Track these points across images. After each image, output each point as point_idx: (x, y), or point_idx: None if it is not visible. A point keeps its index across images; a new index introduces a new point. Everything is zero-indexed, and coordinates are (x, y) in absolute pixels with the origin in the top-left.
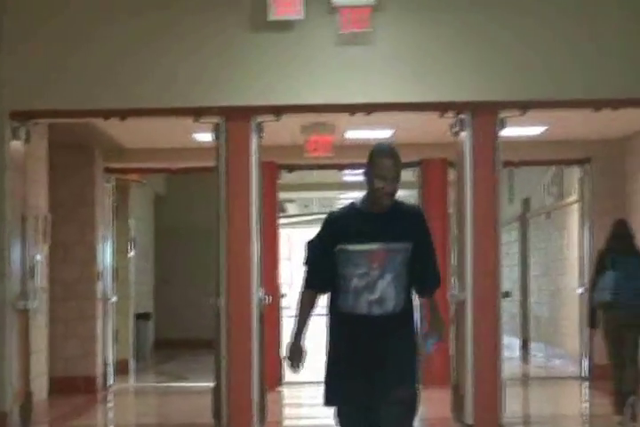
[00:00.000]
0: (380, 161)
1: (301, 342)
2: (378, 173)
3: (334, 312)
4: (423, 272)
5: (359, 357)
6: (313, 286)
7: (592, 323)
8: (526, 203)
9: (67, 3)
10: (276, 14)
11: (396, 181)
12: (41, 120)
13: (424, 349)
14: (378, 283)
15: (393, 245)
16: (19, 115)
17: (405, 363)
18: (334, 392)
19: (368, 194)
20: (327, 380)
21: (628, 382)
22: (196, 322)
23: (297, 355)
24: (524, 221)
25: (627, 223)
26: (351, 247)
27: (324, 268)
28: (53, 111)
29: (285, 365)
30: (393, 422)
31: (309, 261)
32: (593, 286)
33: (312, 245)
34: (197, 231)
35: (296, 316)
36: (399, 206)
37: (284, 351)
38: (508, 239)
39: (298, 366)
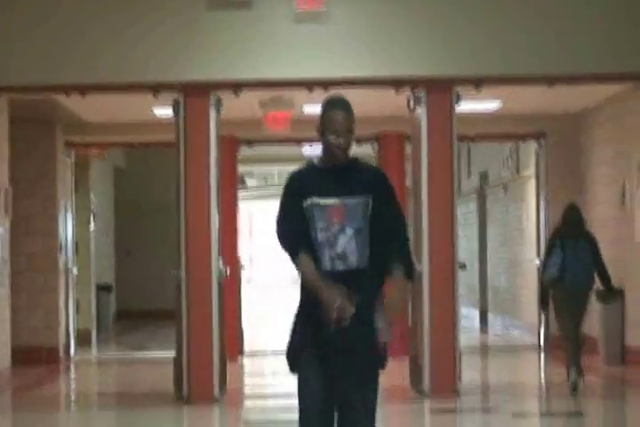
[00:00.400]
0: (332, 114)
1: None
2: (329, 127)
3: (301, 283)
4: (387, 246)
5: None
6: (302, 247)
7: (543, 302)
8: (484, 176)
9: None
10: None
11: (349, 135)
12: (1, 95)
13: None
14: (339, 237)
15: (350, 200)
16: None
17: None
18: (296, 349)
19: (323, 149)
20: (291, 337)
21: (573, 352)
22: (158, 293)
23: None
24: (481, 194)
25: (577, 208)
26: (311, 202)
27: (301, 227)
28: (13, 87)
29: (333, 323)
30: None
31: (286, 226)
32: (544, 267)
33: (282, 209)
34: (158, 204)
35: (310, 281)
36: (357, 162)
37: (329, 312)
38: (467, 211)
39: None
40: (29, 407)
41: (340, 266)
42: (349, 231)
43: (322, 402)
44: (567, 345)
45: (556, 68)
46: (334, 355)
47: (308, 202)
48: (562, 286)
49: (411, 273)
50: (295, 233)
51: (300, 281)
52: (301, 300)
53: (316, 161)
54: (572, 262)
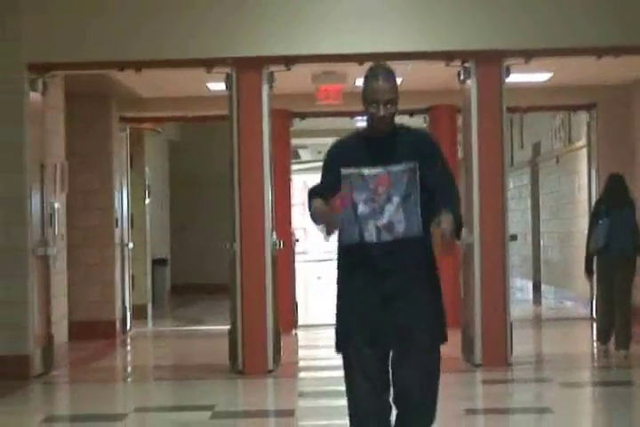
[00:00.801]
0: (372, 84)
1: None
2: (370, 97)
3: (343, 247)
4: (438, 196)
5: (372, 290)
6: (319, 194)
7: (588, 269)
8: (537, 148)
9: None
10: None
11: (391, 105)
12: (58, 72)
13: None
14: (385, 207)
15: (395, 168)
16: (36, 67)
17: (429, 301)
18: (344, 329)
19: (367, 119)
20: (338, 316)
21: (619, 322)
22: (212, 268)
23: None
24: (534, 166)
25: (620, 176)
26: (354, 172)
27: (330, 187)
28: (69, 64)
29: (321, 232)
30: (412, 379)
31: (315, 188)
32: (589, 236)
33: (323, 173)
34: (212, 178)
35: (315, 208)
36: (403, 130)
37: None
38: (520, 184)
39: (333, 227)
40: (88, 379)
41: (386, 236)
42: (396, 200)
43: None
44: (605, 311)
45: (603, 40)
46: (390, 294)
47: (347, 171)
48: (607, 254)
49: (457, 229)
50: (320, 188)
51: (337, 248)
52: (340, 264)
53: (362, 130)
54: (617, 231)
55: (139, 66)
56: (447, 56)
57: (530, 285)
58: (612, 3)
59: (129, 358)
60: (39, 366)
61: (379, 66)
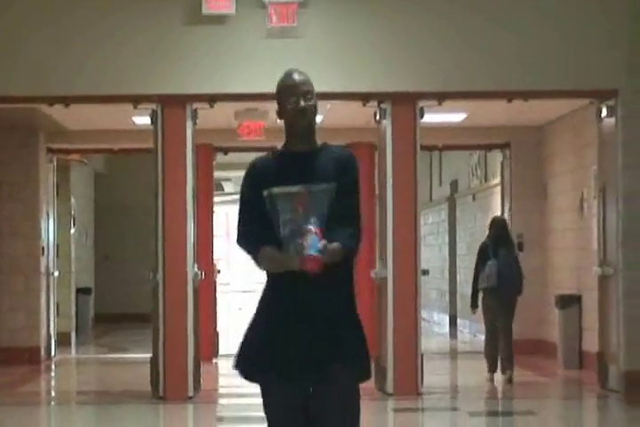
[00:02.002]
0: (287, 81)
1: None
2: (287, 92)
3: (267, 274)
4: (337, 227)
5: (294, 317)
6: (263, 244)
7: (474, 304)
8: (454, 185)
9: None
10: (208, 9)
11: (310, 97)
12: None
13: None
14: (304, 227)
15: (316, 187)
16: None
17: (349, 326)
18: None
19: (286, 132)
20: (245, 340)
21: (504, 354)
22: (135, 297)
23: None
24: (452, 202)
25: (503, 220)
26: (271, 192)
27: (262, 225)
28: None
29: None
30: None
31: (245, 226)
32: (476, 274)
33: (241, 205)
34: (136, 209)
35: (269, 259)
36: (325, 147)
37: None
38: (438, 219)
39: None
40: (13, 403)
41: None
42: (314, 221)
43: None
44: (489, 342)
45: (513, 85)
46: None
47: (266, 192)
48: (498, 292)
49: (349, 253)
50: (254, 232)
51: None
52: (263, 290)
53: (279, 147)
54: (506, 271)
55: (67, 101)
56: (363, 97)
57: (447, 318)
58: (522, 51)
59: (53, 383)
60: None
61: (291, 69)
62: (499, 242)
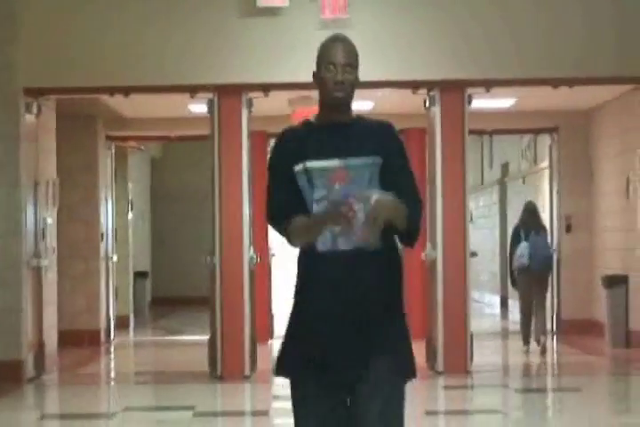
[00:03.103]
0: (329, 47)
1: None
2: (326, 59)
3: (299, 255)
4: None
5: (331, 308)
6: (294, 216)
7: (513, 282)
8: (505, 167)
9: None
10: (263, 1)
11: (350, 70)
12: (51, 96)
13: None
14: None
15: (354, 161)
16: (31, 91)
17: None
18: (291, 361)
19: (320, 101)
20: (284, 343)
21: (538, 325)
22: (190, 280)
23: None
24: (503, 185)
25: (534, 205)
26: (304, 166)
27: (292, 200)
28: (62, 88)
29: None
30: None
31: (275, 202)
32: (511, 254)
33: (270, 180)
34: (191, 193)
35: (301, 228)
36: (363, 119)
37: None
38: (490, 202)
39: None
40: (77, 382)
41: (342, 245)
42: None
43: None
44: (525, 319)
45: (559, 72)
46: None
47: (300, 166)
48: (528, 272)
49: (411, 235)
50: (286, 206)
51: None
52: (297, 274)
53: (313, 119)
54: (537, 253)
55: (127, 91)
56: (413, 85)
57: (498, 299)
58: (567, 37)
59: (114, 364)
60: (31, 370)
61: (338, 34)
62: (529, 225)
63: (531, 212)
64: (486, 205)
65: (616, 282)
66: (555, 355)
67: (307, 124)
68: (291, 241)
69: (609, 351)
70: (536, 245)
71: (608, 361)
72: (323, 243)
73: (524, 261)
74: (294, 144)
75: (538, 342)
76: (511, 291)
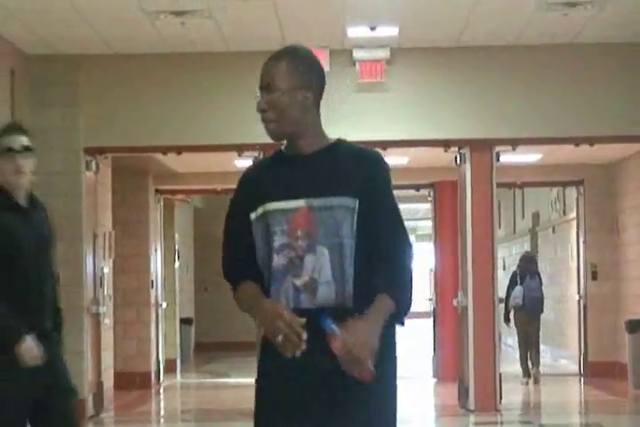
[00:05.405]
0: (263, 67)
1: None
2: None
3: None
4: (375, 273)
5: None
6: (245, 279)
7: (507, 319)
8: (536, 217)
9: (129, 66)
10: None
11: (272, 88)
12: (109, 154)
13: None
14: (306, 259)
15: (322, 201)
16: (91, 150)
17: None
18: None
19: None
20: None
21: (533, 359)
22: (232, 326)
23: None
24: (534, 234)
25: (531, 256)
26: (263, 209)
27: (246, 252)
28: (120, 148)
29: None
30: None
31: (227, 252)
32: (507, 297)
33: (225, 225)
34: None
35: (247, 302)
36: (340, 146)
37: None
38: (521, 250)
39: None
40: (133, 421)
41: (305, 302)
42: (321, 249)
43: None
44: (523, 353)
45: (580, 131)
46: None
47: (259, 211)
48: (523, 311)
49: (399, 314)
50: (235, 268)
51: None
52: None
53: (283, 148)
54: (530, 295)
55: (179, 150)
56: (444, 143)
57: None
58: (587, 98)
59: (167, 404)
60: (91, 408)
61: (281, 49)
62: (525, 272)
63: (528, 260)
64: (518, 253)
65: (638, 326)
66: (581, 395)
67: (276, 155)
68: (238, 304)
69: (632, 392)
70: (530, 288)
71: (630, 401)
72: (285, 298)
73: (519, 301)
74: (253, 184)
75: (532, 370)
76: (544, 336)
